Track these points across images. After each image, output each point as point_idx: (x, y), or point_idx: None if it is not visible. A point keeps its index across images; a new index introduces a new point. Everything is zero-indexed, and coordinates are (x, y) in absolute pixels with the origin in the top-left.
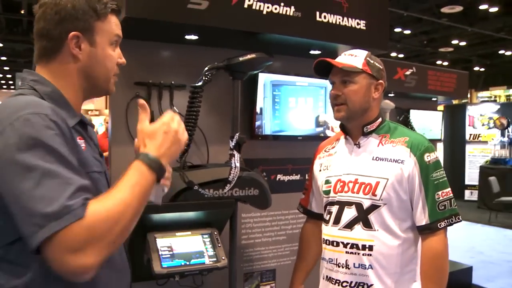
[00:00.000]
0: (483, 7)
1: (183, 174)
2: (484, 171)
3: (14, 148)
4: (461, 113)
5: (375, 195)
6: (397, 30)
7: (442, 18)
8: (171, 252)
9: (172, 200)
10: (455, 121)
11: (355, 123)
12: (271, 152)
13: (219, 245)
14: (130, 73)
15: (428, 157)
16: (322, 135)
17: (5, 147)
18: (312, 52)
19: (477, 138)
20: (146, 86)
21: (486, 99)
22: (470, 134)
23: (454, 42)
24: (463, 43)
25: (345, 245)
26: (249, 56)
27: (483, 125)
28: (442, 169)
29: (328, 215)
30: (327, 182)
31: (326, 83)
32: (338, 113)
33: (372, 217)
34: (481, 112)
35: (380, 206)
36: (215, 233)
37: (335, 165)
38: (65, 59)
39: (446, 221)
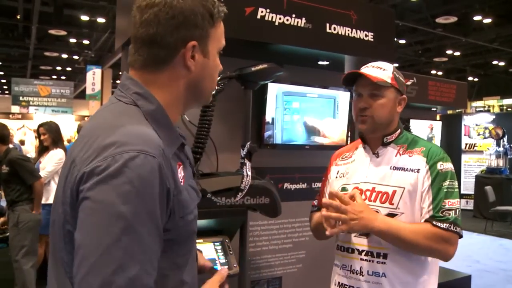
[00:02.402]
0: (477, 18)
1: (197, 182)
2: (480, 181)
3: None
4: (457, 123)
5: (392, 204)
6: None
7: (436, 28)
8: None
9: None
10: (451, 131)
11: (379, 133)
12: (278, 161)
13: (231, 252)
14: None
15: (441, 166)
16: (331, 145)
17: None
18: (320, 62)
19: (473, 148)
20: None
21: (481, 109)
22: (466, 144)
23: (449, 52)
24: (457, 53)
25: (360, 252)
26: (261, 66)
27: (478, 134)
28: (455, 181)
29: None
30: (343, 189)
31: (336, 94)
32: (362, 125)
33: None
34: (476, 122)
35: (397, 214)
36: (227, 240)
37: (353, 173)
38: (176, 71)
39: (446, 224)
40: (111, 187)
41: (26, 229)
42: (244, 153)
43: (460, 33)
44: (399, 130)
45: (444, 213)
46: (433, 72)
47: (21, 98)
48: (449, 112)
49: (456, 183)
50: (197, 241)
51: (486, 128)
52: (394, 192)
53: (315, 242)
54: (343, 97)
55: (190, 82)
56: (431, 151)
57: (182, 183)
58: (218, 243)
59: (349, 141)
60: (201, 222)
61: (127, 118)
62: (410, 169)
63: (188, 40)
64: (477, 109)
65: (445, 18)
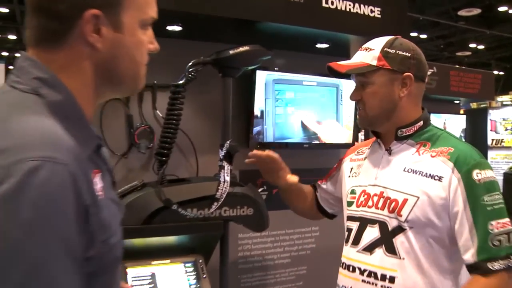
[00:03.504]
0: (502, 8)
1: (159, 191)
2: (508, 178)
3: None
4: (482, 118)
5: (400, 215)
6: (413, 34)
7: (459, 21)
8: (145, 285)
9: (146, 222)
10: (475, 126)
11: (386, 126)
12: None
13: (204, 275)
14: None
15: (479, 175)
16: (333, 142)
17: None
18: (319, 45)
19: (500, 144)
20: None
21: (508, 103)
22: (492, 140)
23: (472, 45)
24: (481, 47)
25: (361, 272)
26: (241, 49)
27: (506, 129)
28: (499, 193)
29: (348, 233)
30: (352, 192)
31: (339, 82)
32: (359, 120)
33: (398, 241)
34: (503, 116)
35: (405, 230)
36: (200, 261)
37: (363, 173)
38: (77, 49)
39: (501, 262)
40: (5, 214)
41: None
42: (223, 154)
43: (484, 25)
44: (420, 123)
45: (494, 242)
46: (456, 67)
47: None
48: (473, 106)
49: (500, 195)
50: (163, 261)
51: None
52: (405, 201)
53: (318, 256)
54: (348, 85)
55: (99, 64)
56: (462, 154)
57: (101, 197)
58: (189, 264)
59: (358, 138)
60: (169, 239)
61: (24, 111)
62: (430, 174)
63: (86, 7)
64: (503, 103)
65: (468, 11)
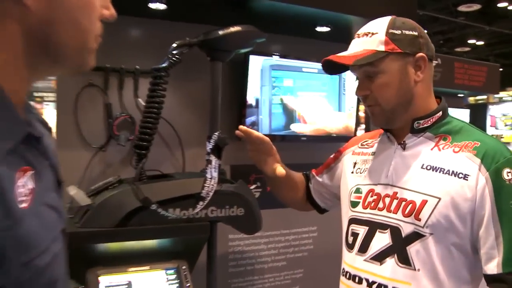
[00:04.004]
0: (502, 4)
1: (137, 189)
2: None
3: None
4: (481, 113)
5: (419, 219)
6: None
7: (459, 17)
8: None
9: (122, 224)
10: (475, 121)
11: (403, 121)
12: None
13: (188, 284)
14: None
15: (509, 174)
16: (334, 134)
17: None
18: (319, 29)
19: (499, 139)
20: (103, 72)
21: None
22: (492, 135)
23: (471, 41)
24: (480, 43)
25: (369, 284)
26: (232, 29)
27: (505, 125)
28: None
29: (353, 238)
30: (357, 191)
31: None
32: (373, 118)
33: (412, 249)
34: (503, 112)
35: (424, 236)
36: (184, 267)
37: (370, 170)
38: (1, 7)
39: None
40: None
41: None
42: (210, 147)
43: (484, 21)
44: (439, 113)
45: None
46: (461, 58)
47: (35, 94)
48: (471, 100)
49: None
50: (142, 268)
51: None
52: (424, 202)
53: (316, 259)
54: (351, 73)
55: (31, 29)
56: (490, 149)
57: (25, 206)
58: (171, 271)
59: (360, 130)
60: (148, 243)
61: None
62: (453, 172)
63: None
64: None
65: (468, 6)
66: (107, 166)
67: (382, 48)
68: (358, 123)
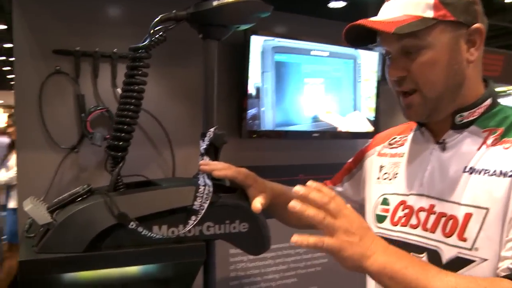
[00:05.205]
0: None
1: (111, 201)
2: None
3: None
4: None
5: (464, 240)
6: None
7: None
8: None
9: (92, 248)
10: None
11: (447, 113)
12: (273, 156)
13: None
14: (46, 35)
15: None
16: (351, 130)
17: None
18: (332, 4)
19: None
20: (73, 57)
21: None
22: None
23: None
24: None
25: None
26: (229, 0)
27: None
28: None
29: None
30: (384, 202)
31: (356, 53)
32: (410, 111)
33: None
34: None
35: (474, 261)
36: None
37: (401, 176)
38: None
39: None
40: None
41: None
42: (205, 146)
43: None
44: (487, 101)
45: None
46: None
47: None
48: None
49: None
50: None
51: None
52: (468, 216)
53: (332, 274)
54: (368, 56)
55: None
56: None
57: None
58: None
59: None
60: (128, 270)
61: None
62: (501, 172)
63: None
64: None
65: None
66: (80, 171)
67: (430, 14)
68: (377, 116)
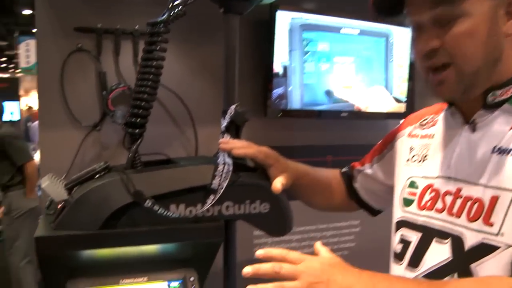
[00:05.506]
0: None
1: (127, 179)
2: None
3: None
4: None
5: (490, 224)
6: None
7: None
8: None
9: (107, 226)
10: None
11: (481, 88)
12: (300, 137)
13: None
14: (68, 13)
15: None
16: (381, 111)
17: None
18: None
19: None
20: (94, 34)
21: None
22: None
23: None
24: None
25: None
26: None
27: None
28: None
29: (402, 246)
30: (412, 185)
31: (389, 30)
32: (442, 88)
33: (479, 269)
34: None
35: (498, 247)
36: (192, 278)
37: (431, 158)
38: None
39: None
40: None
41: (20, 219)
42: (225, 124)
43: None
44: None
45: None
46: None
47: None
48: None
49: None
50: (138, 280)
51: None
52: (495, 199)
53: (359, 258)
54: (401, 34)
55: None
56: None
57: None
58: (176, 283)
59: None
60: (146, 249)
61: None
62: None
63: None
64: None
65: None
66: (102, 149)
67: None
68: (410, 97)
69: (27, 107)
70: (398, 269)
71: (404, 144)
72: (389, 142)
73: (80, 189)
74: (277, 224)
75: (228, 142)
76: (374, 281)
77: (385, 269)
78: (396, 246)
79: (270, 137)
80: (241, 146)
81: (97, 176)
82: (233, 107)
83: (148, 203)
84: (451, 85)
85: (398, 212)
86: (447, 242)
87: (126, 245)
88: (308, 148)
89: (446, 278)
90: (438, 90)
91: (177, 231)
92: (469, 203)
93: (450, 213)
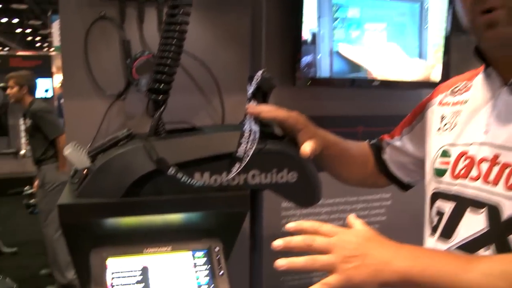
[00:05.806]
0: None
1: (150, 146)
2: None
3: None
4: None
5: None
6: None
7: None
8: (132, 285)
9: (130, 194)
10: None
11: None
12: (330, 106)
13: (221, 272)
14: None
15: None
16: (414, 80)
17: None
18: None
19: None
20: (118, 1)
21: None
22: None
23: None
24: None
25: None
26: None
27: None
28: None
29: (436, 218)
30: (444, 154)
31: None
32: (491, 31)
33: None
34: None
35: None
36: (217, 248)
37: (463, 125)
38: None
39: None
40: None
41: (53, 192)
42: (252, 90)
43: None
44: None
45: None
46: None
47: None
48: None
49: None
50: (162, 249)
51: None
52: None
53: (390, 232)
54: (435, 0)
55: None
56: None
57: None
58: (201, 253)
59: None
60: (170, 218)
61: None
62: None
63: None
64: None
65: None
66: (127, 118)
67: None
68: (445, 65)
69: (60, 84)
70: (431, 240)
71: (434, 113)
72: (419, 113)
73: (103, 157)
74: (305, 194)
75: (255, 106)
76: (414, 256)
77: (417, 244)
78: (434, 218)
79: (299, 106)
80: (269, 110)
81: (120, 143)
82: (259, 72)
83: (171, 171)
84: (503, 28)
85: (432, 184)
86: (483, 212)
87: (149, 213)
88: (338, 118)
89: (481, 250)
90: (487, 34)
91: (202, 200)
92: (507, 170)
93: (486, 180)
